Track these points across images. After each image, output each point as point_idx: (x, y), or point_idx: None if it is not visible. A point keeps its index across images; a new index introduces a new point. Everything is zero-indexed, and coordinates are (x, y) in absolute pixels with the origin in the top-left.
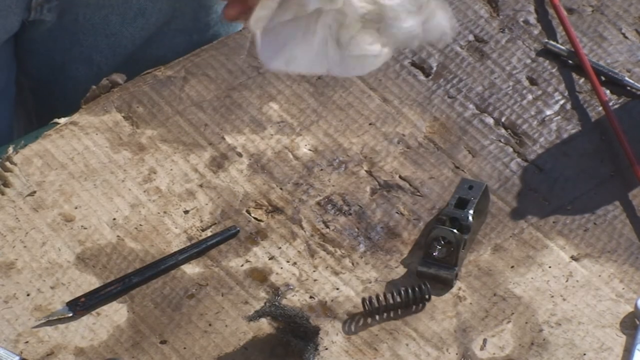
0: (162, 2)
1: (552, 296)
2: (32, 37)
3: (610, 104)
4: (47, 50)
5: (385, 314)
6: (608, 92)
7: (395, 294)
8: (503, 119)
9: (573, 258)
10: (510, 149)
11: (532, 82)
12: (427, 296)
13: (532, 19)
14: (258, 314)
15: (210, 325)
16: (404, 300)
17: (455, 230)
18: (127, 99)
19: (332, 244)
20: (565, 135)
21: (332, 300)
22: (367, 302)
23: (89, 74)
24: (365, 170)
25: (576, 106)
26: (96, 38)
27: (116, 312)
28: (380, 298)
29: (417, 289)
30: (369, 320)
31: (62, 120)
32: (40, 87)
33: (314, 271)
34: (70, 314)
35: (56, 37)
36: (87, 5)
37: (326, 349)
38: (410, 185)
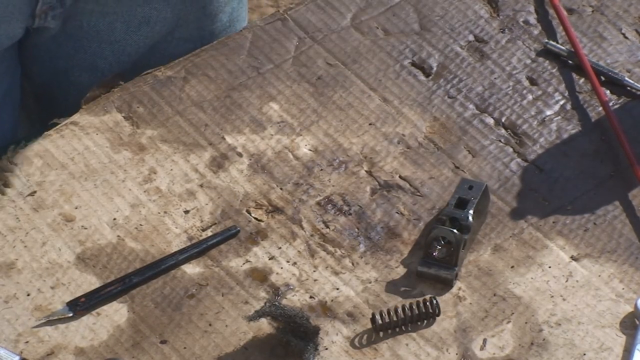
0: (167, 11)
1: (552, 296)
2: (36, 43)
3: (610, 104)
4: (51, 57)
5: (390, 331)
6: (608, 92)
7: (406, 309)
8: (503, 119)
9: (573, 258)
10: (510, 149)
11: (532, 82)
12: (437, 311)
13: (532, 19)
14: (258, 314)
15: (210, 325)
16: (414, 316)
17: (455, 230)
18: (127, 99)
19: (332, 244)
20: (565, 136)
21: (332, 300)
22: (378, 318)
23: (93, 80)
24: (365, 170)
25: (576, 106)
26: (100, 45)
27: (116, 312)
28: (391, 313)
29: (428, 304)
30: (380, 334)
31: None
32: (43, 92)
33: (314, 271)
34: (71, 314)
35: (60, 43)
36: (91, 12)
37: (326, 349)
38: (410, 185)
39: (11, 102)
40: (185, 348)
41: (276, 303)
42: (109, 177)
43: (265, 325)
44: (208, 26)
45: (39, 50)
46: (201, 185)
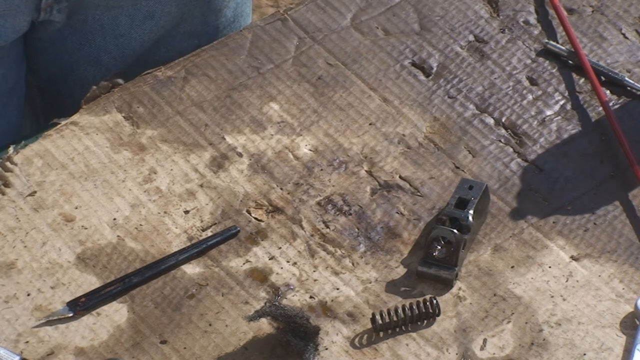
0: (172, 5)
1: (552, 296)
2: (41, 37)
3: (610, 104)
4: (56, 51)
5: (390, 331)
6: (608, 92)
7: (406, 309)
8: (503, 119)
9: (573, 258)
10: (510, 149)
11: (532, 82)
12: (437, 311)
13: (532, 19)
14: (258, 314)
15: (210, 325)
16: (414, 316)
17: (455, 230)
18: (127, 99)
19: (332, 244)
20: (565, 136)
21: (332, 300)
22: (378, 318)
23: (97, 74)
24: (366, 170)
25: (576, 106)
26: (105, 39)
27: (116, 312)
28: (391, 313)
29: (428, 304)
30: (381, 334)
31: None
32: (48, 86)
33: (314, 271)
34: (71, 314)
35: (65, 37)
36: (96, 6)
37: (326, 349)
38: (411, 185)
39: (17, 97)
40: (185, 348)
41: (276, 303)
42: (109, 177)
43: (265, 325)
44: (213, 21)
45: (44, 44)
46: (201, 185)
